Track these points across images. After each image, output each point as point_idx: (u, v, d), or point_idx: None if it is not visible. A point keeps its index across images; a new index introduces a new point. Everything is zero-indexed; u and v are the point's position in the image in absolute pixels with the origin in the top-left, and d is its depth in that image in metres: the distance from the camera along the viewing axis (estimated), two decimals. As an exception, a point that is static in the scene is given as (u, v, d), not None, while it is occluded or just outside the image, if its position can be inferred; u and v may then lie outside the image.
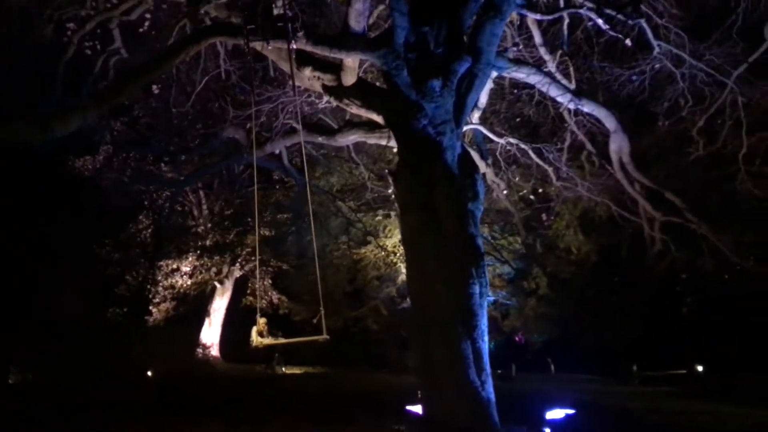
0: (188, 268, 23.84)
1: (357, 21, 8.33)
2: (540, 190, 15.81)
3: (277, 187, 23.66)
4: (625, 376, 22.84)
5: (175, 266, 23.59)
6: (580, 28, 12.42)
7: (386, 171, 12.84)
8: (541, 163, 13.09)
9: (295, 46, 8.17)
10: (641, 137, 13.26)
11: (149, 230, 22.81)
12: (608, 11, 9.98)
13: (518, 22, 12.29)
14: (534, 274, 20.53)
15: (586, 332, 23.78)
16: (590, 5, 10.16)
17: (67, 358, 19.82)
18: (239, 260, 24.27)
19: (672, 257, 13.49)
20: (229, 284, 25.80)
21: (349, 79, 9.19)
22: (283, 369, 23.89)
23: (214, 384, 19.41)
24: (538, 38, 11.28)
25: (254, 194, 22.24)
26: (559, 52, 11.36)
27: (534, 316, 22.14)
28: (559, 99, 11.25)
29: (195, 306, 25.40)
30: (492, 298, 19.67)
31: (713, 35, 11.45)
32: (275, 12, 8.28)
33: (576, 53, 12.22)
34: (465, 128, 10.72)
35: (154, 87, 14.09)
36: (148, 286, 23.27)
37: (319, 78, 9.76)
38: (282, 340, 8.89)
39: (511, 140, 12.69)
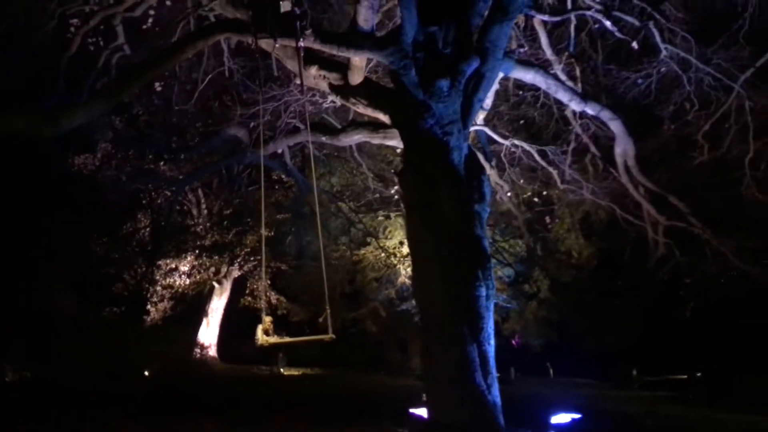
0: (186, 268, 23.69)
1: (365, 20, 8.26)
2: (545, 192, 15.76)
3: (276, 187, 23.56)
4: (625, 381, 22.82)
5: (173, 266, 23.46)
6: (584, 31, 12.40)
7: (391, 171, 12.82)
8: (545, 165, 13.04)
9: (303, 44, 8.07)
10: (645, 141, 13.21)
11: (148, 229, 22.69)
12: (616, 13, 9.92)
13: (523, 24, 12.26)
14: (535, 277, 20.50)
15: (585, 336, 23.76)
16: (598, 7, 10.12)
17: (63, 357, 19.68)
18: (238, 260, 24.12)
19: (675, 261, 13.44)
20: (227, 284, 25.66)
21: (356, 78, 9.12)
22: (281, 370, 23.80)
23: (212, 384, 19.29)
24: (544, 40, 11.24)
25: (256, 194, 22.31)
26: (565, 54, 11.30)
27: (534, 320, 22.10)
28: (564, 101, 11.20)
29: (193, 306, 25.27)
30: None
31: (719, 39, 11.44)
32: (282, 9, 8.24)
33: (581, 56, 12.17)
34: (470, 129, 10.64)
35: (157, 84, 13.96)
36: (146, 285, 23.14)
37: (324, 77, 9.69)
38: (287, 339, 8.81)
39: (517, 142, 12.63)
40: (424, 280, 9.01)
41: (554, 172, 13.21)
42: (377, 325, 25.13)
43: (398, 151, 16.21)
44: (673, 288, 17.59)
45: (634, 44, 11.07)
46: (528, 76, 10.53)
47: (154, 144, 19.38)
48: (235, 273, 25.19)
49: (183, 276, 23.77)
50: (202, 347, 24.77)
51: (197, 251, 23.06)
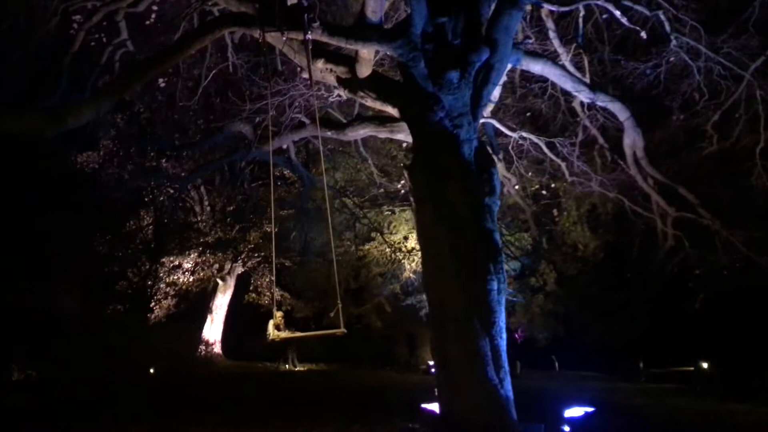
0: (190, 265, 23.68)
1: (373, 11, 8.16)
2: (553, 185, 15.65)
3: (279, 183, 23.48)
4: (631, 373, 22.74)
5: (177, 263, 23.42)
6: (591, 22, 12.27)
7: (396, 166, 12.71)
8: (554, 157, 12.93)
9: (311, 37, 7.96)
10: (653, 132, 13.10)
11: (151, 227, 22.63)
12: (626, 2, 9.79)
13: (529, 15, 12.13)
14: (541, 270, 20.42)
15: (590, 329, 23.68)
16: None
17: (68, 356, 19.66)
18: (241, 257, 24.08)
19: (685, 253, 13.35)
20: (231, 281, 25.65)
21: (364, 71, 9.01)
22: (286, 366, 23.77)
23: (218, 381, 19.27)
24: (552, 30, 11.11)
25: (260, 190, 22.13)
26: (573, 45, 11.18)
27: (540, 313, 22.03)
28: (573, 93, 11.08)
29: (197, 303, 25.25)
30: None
31: (728, 28, 11.31)
32: (290, 2, 8.14)
33: (587, 47, 12.04)
34: (479, 122, 10.54)
35: (160, 81, 13.86)
36: (150, 283, 23.10)
37: (331, 70, 9.58)
38: (298, 334, 8.74)
39: (525, 134, 12.52)
40: (434, 274, 8.91)
41: (562, 165, 13.11)
42: (382, 320, 25.09)
43: (404, 145, 16.13)
44: (680, 280, 17.49)
45: (643, 34, 10.93)
46: (537, 67, 10.42)
47: (156, 141, 19.28)
48: (239, 269, 25.18)
49: (187, 273, 23.76)
50: (207, 344, 24.76)
51: (201, 248, 23.02)
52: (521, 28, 11.95)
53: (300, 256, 23.71)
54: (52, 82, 11.84)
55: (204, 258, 23.30)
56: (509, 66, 10.19)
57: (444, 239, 8.63)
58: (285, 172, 22.34)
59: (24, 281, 20.14)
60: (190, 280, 23.80)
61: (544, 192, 16.33)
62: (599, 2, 10.37)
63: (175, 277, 23.48)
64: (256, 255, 23.93)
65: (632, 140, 11.66)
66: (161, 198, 21.99)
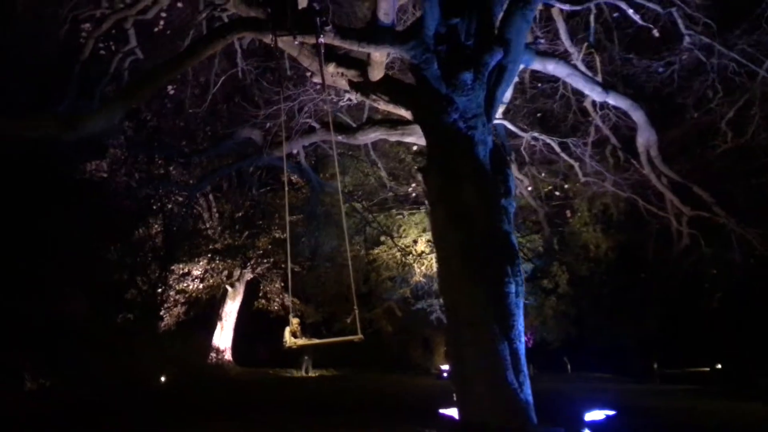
0: (199, 272, 23.65)
1: (386, 13, 8.09)
2: (566, 186, 15.54)
3: (287, 188, 23.40)
4: (644, 375, 22.55)
5: (186, 270, 23.39)
6: (600, 20, 12.17)
7: (405, 169, 12.65)
8: (567, 158, 12.82)
9: (323, 41, 7.90)
10: (666, 130, 12.97)
11: (160, 235, 22.60)
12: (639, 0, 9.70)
13: (538, 15, 12.04)
14: (554, 272, 20.29)
15: (602, 330, 23.51)
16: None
17: (80, 364, 19.62)
18: (250, 263, 24.04)
19: (700, 252, 13.21)
20: (240, 287, 25.60)
21: (376, 74, 8.95)
22: (302, 372, 23.68)
23: (230, 388, 19.21)
24: (563, 30, 11.02)
25: (268, 196, 22.02)
26: (585, 44, 11.09)
27: (553, 315, 21.88)
28: (586, 92, 10.98)
29: (206, 310, 25.21)
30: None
31: (741, 25, 11.20)
32: (301, 5, 8.09)
33: (598, 45, 11.94)
34: (493, 122, 10.45)
35: (170, 88, 13.85)
36: (159, 291, 23.06)
37: (342, 74, 9.53)
38: (315, 341, 8.61)
39: (537, 135, 12.42)
40: (450, 277, 8.80)
41: (575, 165, 12.99)
42: (393, 325, 24.98)
43: (414, 148, 16.06)
44: (693, 280, 17.32)
45: (655, 32, 10.83)
46: (549, 67, 10.33)
47: (164, 149, 19.28)
48: (248, 276, 25.13)
49: (196, 280, 23.72)
50: (218, 351, 24.70)
51: (210, 255, 23.00)
52: (531, 29, 11.87)
53: (309, 261, 23.63)
54: (60, 91, 11.85)
55: (213, 265, 23.27)
56: (521, 66, 10.10)
57: (460, 242, 8.52)
58: (292, 177, 22.31)
59: (34, 290, 20.14)
60: (200, 287, 23.78)
61: (557, 193, 16.19)
62: (611, 0, 10.27)
63: (185, 285, 23.45)
64: (265, 261, 23.88)
65: (646, 139, 11.53)
66: (170, 205, 21.99)
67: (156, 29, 12.01)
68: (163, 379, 20.50)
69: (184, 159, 18.71)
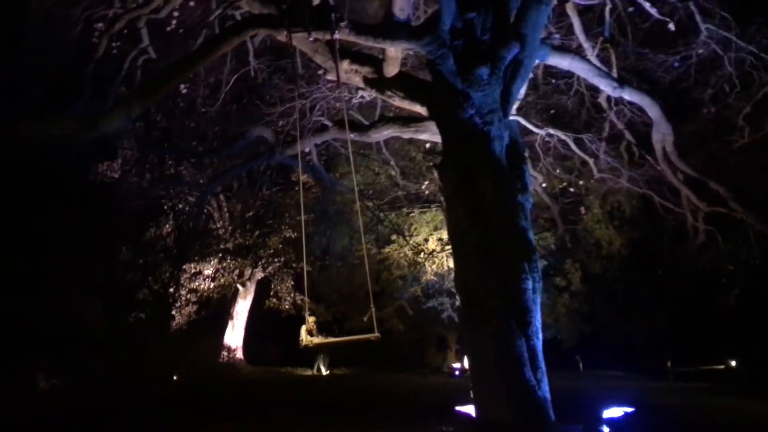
0: (210, 271, 23.70)
1: (401, 9, 8.03)
2: (581, 182, 15.44)
3: (296, 188, 23.41)
4: (657, 373, 22.40)
5: (197, 270, 23.45)
6: (614, 14, 12.06)
7: (421, 166, 12.59)
8: (581, 154, 12.73)
9: (338, 37, 7.86)
10: (681, 125, 12.84)
11: (171, 235, 22.65)
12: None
13: (552, 10, 11.94)
14: (566, 269, 20.18)
15: (615, 328, 23.36)
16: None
17: (92, 364, 19.70)
18: (261, 262, 24.06)
19: (717, 249, 13.08)
20: (251, 287, 25.64)
21: (391, 70, 8.89)
22: (319, 370, 23.66)
23: (242, 387, 19.25)
24: (577, 24, 10.91)
25: (278, 195, 21.99)
26: (600, 39, 10.99)
27: (565, 313, 21.75)
28: (602, 87, 10.88)
29: (218, 309, 25.25)
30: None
31: (758, 18, 11.07)
32: (315, 2, 8.05)
33: (613, 40, 11.83)
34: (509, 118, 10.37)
35: (182, 87, 13.86)
36: (171, 291, 23.11)
37: (356, 71, 9.48)
38: (332, 339, 8.56)
39: (552, 131, 12.33)
40: (467, 274, 8.75)
41: (590, 161, 12.90)
42: (404, 323, 24.92)
43: (427, 146, 15.99)
44: (707, 276, 17.15)
45: (671, 26, 10.70)
46: (564, 62, 10.25)
47: (175, 149, 19.32)
48: (259, 275, 25.15)
49: (207, 280, 23.76)
50: (229, 350, 24.76)
51: (221, 254, 23.05)
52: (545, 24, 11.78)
53: (321, 260, 23.62)
54: (73, 92, 11.88)
55: (224, 264, 23.32)
56: (536, 61, 10.03)
57: (476, 238, 8.47)
58: (301, 177, 22.25)
59: (46, 292, 20.23)
60: (211, 286, 23.82)
61: (572, 189, 16.08)
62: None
63: (196, 284, 23.50)
64: (275, 260, 23.90)
65: (662, 135, 11.42)
66: (180, 205, 22.04)
67: (168, 28, 12.02)
68: (175, 378, 20.56)
69: (195, 159, 18.72)
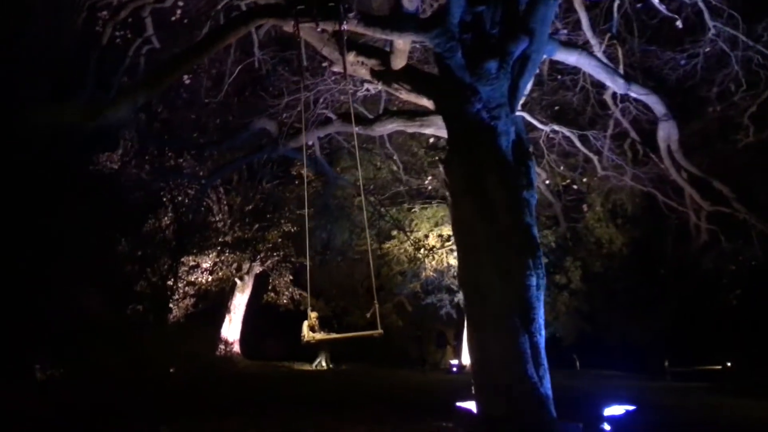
0: (209, 264, 23.63)
1: (410, 0, 7.99)
2: (585, 180, 15.40)
3: (297, 182, 23.34)
4: (656, 372, 22.41)
5: (195, 262, 23.38)
6: (621, 11, 12.01)
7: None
8: (586, 151, 12.68)
9: (346, 28, 7.79)
10: (686, 123, 12.81)
11: (171, 227, 22.56)
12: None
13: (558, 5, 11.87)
14: (567, 267, 20.16)
15: (613, 327, 23.37)
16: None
17: (89, 355, 19.64)
18: (260, 256, 24.00)
19: (719, 249, 13.05)
20: (249, 280, 25.57)
21: (398, 62, 8.83)
22: (321, 365, 23.61)
23: (240, 381, 19.18)
24: (585, 20, 10.84)
25: (278, 189, 21.87)
26: (607, 35, 10.93)
27: (566, 311, 21.75)
28: (608, 84, 10.83)
29: (215, 303, 25.20)
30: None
31: (764, 17, 11.02)
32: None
33: (620, 36, 11.78)
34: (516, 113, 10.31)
35: (186, 78, 13.76)
36: (170, 283, 23.04)
37: (363, 63, 9.42)
38: (334, 335, 8.52)
39: (557, 128, 12.28)
40: (471, 270, 8.70)
41: (594, 158, 12.85)
42: (403, 319, 24.91)
43: (430, 141, 15.93)
44: (708, 276, 17.15)
45: (679, 23, 10.66)
46: (572, 58, 10.19)
47: (176, 141, 19.22)
48: (257, 269, 25.09)
49: (205, 273, 23.70)
50: (226, 344, 24.70)
51: (219, 248, 22.96)
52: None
53: (321, 255, 23.57)
54: (77, 82, 11.78)
55: (223, 257, 23.24)
56: (544, 56, 9.97)
57: (481, 234, 8.43)
58: (302, 171, 22.18)
59: (45, 282, 20.14)
60: (209, 279, 23.76)
61: (575, 186, 16.04)
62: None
63: (194, 277, 23.43)
64: (274, 254, 23.83)
65: (667, 133, 11.38)
66: (180, 198, 21.95)
67: (173, 18, 11.92)
68: (172, 370, 20.49)
69: (197, 151, 18.61)
